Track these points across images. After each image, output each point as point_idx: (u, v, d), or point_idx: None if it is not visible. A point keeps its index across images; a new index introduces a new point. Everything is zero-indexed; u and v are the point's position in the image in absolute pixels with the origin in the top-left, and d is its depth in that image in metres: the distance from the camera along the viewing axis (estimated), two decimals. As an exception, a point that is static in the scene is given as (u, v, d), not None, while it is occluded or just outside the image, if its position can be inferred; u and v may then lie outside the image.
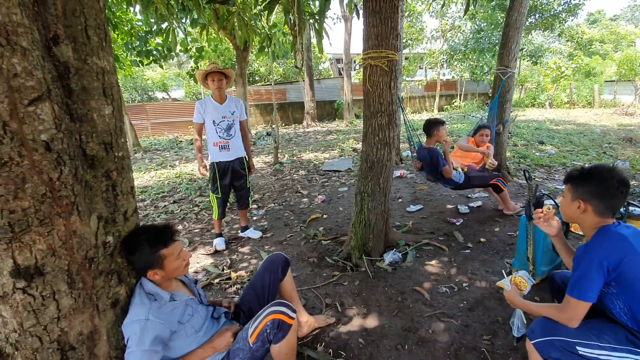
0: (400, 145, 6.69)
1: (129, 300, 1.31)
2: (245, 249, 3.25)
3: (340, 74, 21.14)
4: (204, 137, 3.22)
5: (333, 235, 3.36)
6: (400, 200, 4.41)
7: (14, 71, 0.90)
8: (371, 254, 2.77)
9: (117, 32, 8.51)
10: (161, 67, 9.51)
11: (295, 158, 7.75)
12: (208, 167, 3.21)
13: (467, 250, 2.91)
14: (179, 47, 8.54)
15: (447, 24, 18.34)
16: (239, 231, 3.59)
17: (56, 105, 1.02)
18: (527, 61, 19.93)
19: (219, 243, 3.26)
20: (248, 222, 3.62)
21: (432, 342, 1.88)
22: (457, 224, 3.47)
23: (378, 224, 2.78)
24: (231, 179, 3.22)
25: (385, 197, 2.77)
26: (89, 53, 1.15)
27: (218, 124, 3.09)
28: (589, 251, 1.27)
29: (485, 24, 16.57)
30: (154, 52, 7.94)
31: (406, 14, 16.73)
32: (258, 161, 7.69)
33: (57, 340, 1.11)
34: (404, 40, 17.44)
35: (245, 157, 3.30)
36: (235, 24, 3.78)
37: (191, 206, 4.65)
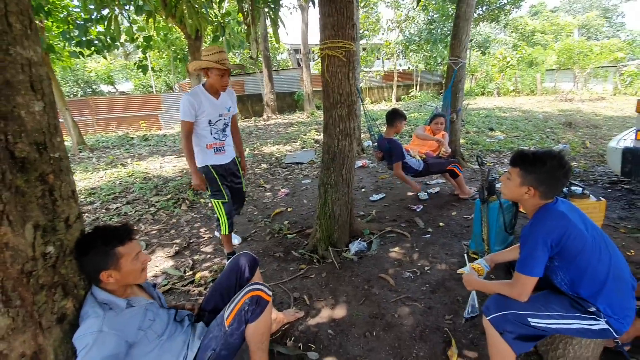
0: (361, 136, 6.78)
1: (78, 314, 1.20)
2: (208, 248, 3.13)
3: (299, 64, 20.91)
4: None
5: (298, 229, 3.34)
6: (363, 190, 4.48)
7: None
8: (337, 245, 2.79)
9: (51, 20, 7.72)
10: (105, 58, 8.83)
11: (256, 152, 7.59)
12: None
13: (427, 235, 3.02)
14: (123, 37, 7.94)
15: (401, 14, 18.76)
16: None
17: (-29, 102, 0.89)
18: (477, 51, 21.01)
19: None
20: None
21: (398, 326, 1.94)
22: (418, 210, 3.60)
23: (342, 214, 2.80)
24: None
25: (348, 188, 2.79)
26: (12, 42, 1.02)
27: (214, 124, 2.51)
28: (533, 230, 1.36)
29: (437, 15, 17.17)
30: (96, 42, 7.29)
31: (362, 4, 16.86)
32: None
33: (-6, 365, 1.00)
34: (360, 31, 17.58)
35: (237, 157, 2.82)
36: (185, 11, 3.56)
37: (147, 206, 4.39)
